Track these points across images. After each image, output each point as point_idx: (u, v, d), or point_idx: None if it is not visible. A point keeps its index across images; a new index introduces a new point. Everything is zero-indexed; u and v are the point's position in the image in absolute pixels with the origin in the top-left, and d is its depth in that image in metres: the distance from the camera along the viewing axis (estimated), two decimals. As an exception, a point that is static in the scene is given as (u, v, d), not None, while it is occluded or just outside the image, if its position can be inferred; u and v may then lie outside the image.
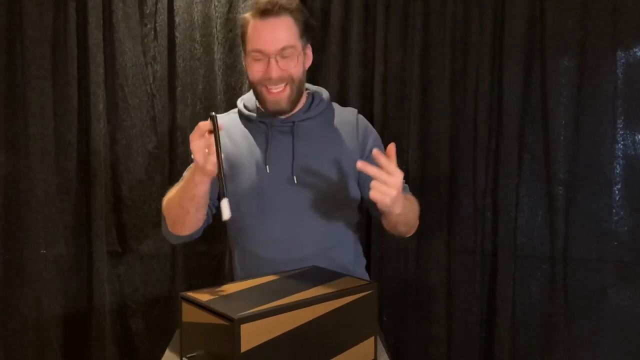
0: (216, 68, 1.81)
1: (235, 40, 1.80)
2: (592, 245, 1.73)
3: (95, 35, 1.77)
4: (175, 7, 1.79)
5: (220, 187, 1.18)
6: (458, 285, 1.82)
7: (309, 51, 1.45)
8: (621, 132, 1.70)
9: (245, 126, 1.47)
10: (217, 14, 1.80)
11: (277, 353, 1.04)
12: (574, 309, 1.74)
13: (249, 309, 1.02)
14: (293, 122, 1.43)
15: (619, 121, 1.70)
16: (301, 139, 1.43)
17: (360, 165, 1.20)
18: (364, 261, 1.56)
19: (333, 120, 1.49)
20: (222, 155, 1.20)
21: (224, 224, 1.48)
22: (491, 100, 1.77)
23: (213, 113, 1.19)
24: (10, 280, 1.78)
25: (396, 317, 1.84)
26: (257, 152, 1.42)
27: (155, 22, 1.80)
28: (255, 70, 1.37)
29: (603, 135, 1.71)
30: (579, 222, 1.74)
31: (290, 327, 1.06)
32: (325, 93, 1.52)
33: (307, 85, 1.50)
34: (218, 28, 1.80)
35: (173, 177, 1.81)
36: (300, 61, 1.38)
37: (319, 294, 1.11)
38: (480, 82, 1.76)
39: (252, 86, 1.41)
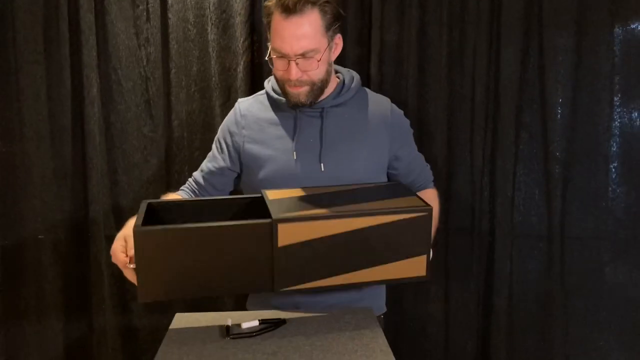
0: (210, 49, 1.79)
1: (229, 21, 1.77)
2: (589, 223, 1.74)
3: (87, 18, 1.74)
4: (167, -12, 1.76)
5: None
6: (455, 265, 1.83)
7: (339, 40, 1.38)
8: (618, 109, 1.69)
9: (274, 110, 1.44)
10: (210, -6, 1.78)
11: (316, 252, 1.12)
12: (570, 287, 1.76)
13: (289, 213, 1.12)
14: (322, 108, 1.40)
15: (615, 99, 1.69)
16: (330, 125, 1.41)
17: None
18: None
19: (364, 107, 1.45)
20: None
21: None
22: (488, 80, 1.76)
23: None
24: (9, 267, 1.79)
25: (394, 297, 1.85)
26: (285, 138, 1.40)
27: (148, 3, 1.78)
28: (276, 68, 1.34)
29: (600, 113, 1.70)
30: (576, 200, 1.74)
31: (330, 232, 1.12)
32: (356, 77, 1.47)
33: (339, 68, 1.47)
34: (211, 9, 1.77)
35: (170, 160, 1.81)
36: (323, 61, 1.32)
37: (366, 208, 1.15)
38: (478, 61, 1.75)
39: (275, 78, 1.40)
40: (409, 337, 1.85)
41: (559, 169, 1.74)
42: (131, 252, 1.12)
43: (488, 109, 1.77)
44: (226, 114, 1.76)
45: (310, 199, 1.19)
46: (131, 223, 1.18)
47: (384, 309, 1.57)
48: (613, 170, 1.71)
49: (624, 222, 1.72)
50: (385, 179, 1.49)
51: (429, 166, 1.58)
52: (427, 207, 1.19)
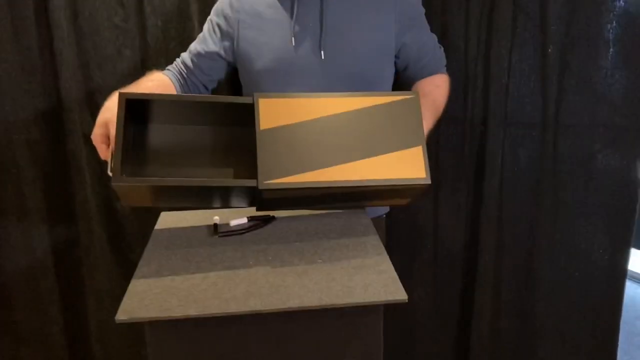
0: None
1: None
2: (584, 109, 1.68)
3: None
4: None
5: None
6: (446, 154, 1.80)
7: None
8: (624, -13, 1.58)
9: None
10: None
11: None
12: (561, 175, 1.73)
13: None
14: None
15: (622, -25, 1.57)
16: (332, 7, 1.30)
17: None
18: None
19: None
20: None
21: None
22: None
23: None
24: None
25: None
26: (283, 23, 1.30)
27: None
28: None
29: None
30: (573, 86, 1.67)
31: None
32: None
33: None
34: None
35: (145, 52, 1.69)
36: None
37: (363, 176, 1.07)
38: None
39: None
40: (398, 229, 1.85)
41: (557, 53, 1.65)
42: (113, 138, 1.08)
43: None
44: (203, 1, 1.64)
45: (305, 144, 1.07)
46: (111, 104, 1.15)
47: (387, 208, 1.56)
48: (613, 54, 1.63)
49: (619, 108, 1.67)
50: (392, 68, 1.41)
51: (442, 49, 1.49)
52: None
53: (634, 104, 1.65)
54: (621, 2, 1.58)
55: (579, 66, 1.65)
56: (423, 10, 1.45)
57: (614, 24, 1.61)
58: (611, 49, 1.63)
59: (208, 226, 1.19)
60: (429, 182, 1.08)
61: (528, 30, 1.66)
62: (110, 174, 1.04)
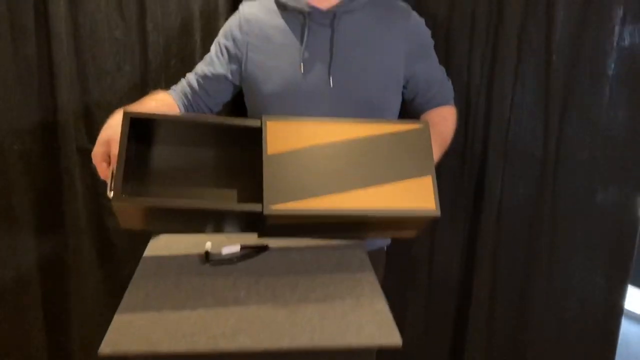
0: (188, -57, 1.60)
1: None
2: (585, 145, 1.67)
3: None
4: None
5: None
6: (445, 186, 1.77)
7: None
8: (628, 27, 1.57)
9: (281, 16, 1.33)
10: None
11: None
12: (560, 210, 1.72)
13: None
14: (334, 14, 1.28)
15: (628, 17, 1.56)
16: (342, 34, 1.29)
17: None
18: None
19: (380, 15, 1.34)
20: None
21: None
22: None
23: None
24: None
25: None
26: (292, 48, 1.30)
27: None
28: None
29: (609, 30, 1.58)
30: (575, 121, 1.66)
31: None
32: None
33: None
34: None
35: (145, 68, 1.67)
36: None
37: (368, 205, 1.05)
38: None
39: None
40: (392, 260, 1.82)
41: (560, 88, 1.64)
42: (114, 156, 1.05)
43: (490, 21, 1.64)
44: (206, 18, 1.62)
45: (313, 170, 1.05)
46: (113, 122, 1.12)
47: (388, 241, 1.54)
48: (615, 91, 1.62)
49: (620, 145, 1.65)
50: (399, 97, 1.40)
51: (449, 81, 1.48)
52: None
53: (635, 141, 1.64)
54: (625, 41, 1.58)
55: (582, 101, 1.64)
56: (432, 42, 1.45)
57: (617, 61, 1.60)
58: (613, 86, 1.62)
59: (199, 253, 1.16)
60: (439, 214, 1.05)
61: (532, 62, 1.65)
62: (110, 194, 1.01)
